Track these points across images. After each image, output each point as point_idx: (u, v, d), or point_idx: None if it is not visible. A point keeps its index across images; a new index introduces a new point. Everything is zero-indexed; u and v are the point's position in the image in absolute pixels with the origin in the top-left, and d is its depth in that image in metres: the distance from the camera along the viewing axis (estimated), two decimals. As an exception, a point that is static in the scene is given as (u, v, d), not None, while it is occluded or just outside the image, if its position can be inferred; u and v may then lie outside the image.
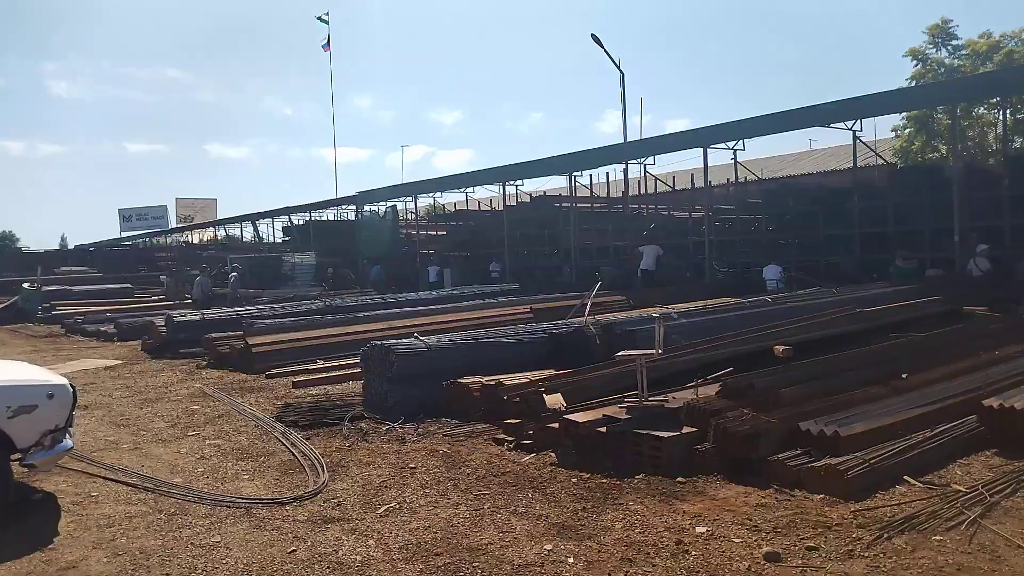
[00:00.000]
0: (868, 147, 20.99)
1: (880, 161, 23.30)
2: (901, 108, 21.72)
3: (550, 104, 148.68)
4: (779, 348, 7.63)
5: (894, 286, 13.22)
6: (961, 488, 4.72)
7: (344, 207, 41.51)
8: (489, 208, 34.26)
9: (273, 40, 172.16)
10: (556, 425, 5.92)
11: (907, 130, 27.80)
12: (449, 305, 15.59)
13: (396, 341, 8.02)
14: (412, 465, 5.88)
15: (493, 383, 7.28)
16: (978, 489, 4.65)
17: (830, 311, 9.49)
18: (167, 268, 38.69)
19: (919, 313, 10.53)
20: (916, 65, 27.38)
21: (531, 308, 15.45)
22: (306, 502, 5.07)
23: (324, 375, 10.90)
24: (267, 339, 12.34)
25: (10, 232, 64.80)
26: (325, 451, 6.44)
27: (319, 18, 47.68)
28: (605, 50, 25.82)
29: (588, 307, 9.76)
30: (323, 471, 5.75)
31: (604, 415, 5.71)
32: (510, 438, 6.32)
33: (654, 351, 5.94)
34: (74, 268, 38.24)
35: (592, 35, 25.80)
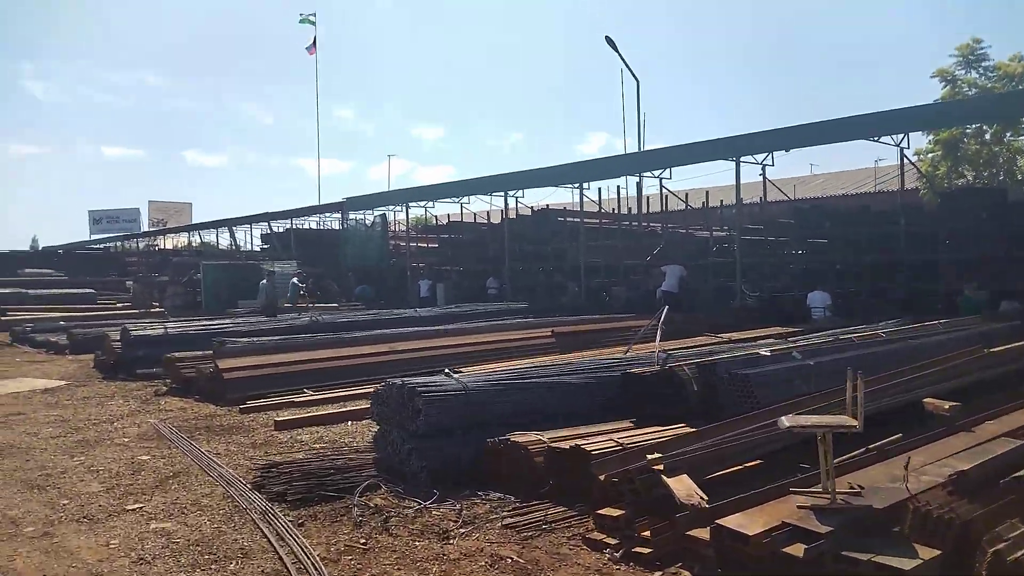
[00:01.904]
0: (914, 165, 19.30)
1: (910, 185, 21.69)
2: (959, 121, 20.08)
3: (531, 124, 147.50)
4: (943, 405, 5.62)
5: (966, 319, 11.40)
6: None
7: (327, 215, 39.32)
8: (486, 221, 32.21)
9: (254, 48, 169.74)
10: (703, 534, 3.81)
11: (931, 154, 26.34)
12: (456, 326, 13.45)
13: (420, 381, 5.87)
14: (471, 589, 3.74)
15: (566, 446, 5.16)
16: None
17: (959, 352, 7.51)
18: (135, 274, 36.13)
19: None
20: (945, 87, 25.98)
21: (552, 332, 13.42)
22: None
23: (315, 411, 8.72)
24: (241, 362, 10.12)
25: (-27, 231, 61.37)
26: (329, 551, 4.28)
27: (304, 18, 45.58)
28: (620, 55, 24.07)
29: (659, 337, 7.72)
30: (332, 599, 3.59)
31: (784, 523, 3.62)
32: (611, 540, 4.20)
33: (853, 422, 3.87)
34: (39, 270, 35.50)
35: (606, 38, 24.04)
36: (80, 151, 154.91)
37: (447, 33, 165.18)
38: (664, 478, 4.20)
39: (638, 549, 4.07)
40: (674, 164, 20.97)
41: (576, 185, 23.71)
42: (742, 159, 18.35)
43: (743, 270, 18.53)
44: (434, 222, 35.36)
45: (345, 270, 30.81)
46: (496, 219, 31.91)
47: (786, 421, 4.03)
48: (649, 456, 4.44)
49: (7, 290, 23.76)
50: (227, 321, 14.24)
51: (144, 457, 6.61)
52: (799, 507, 3.77)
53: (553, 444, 5.33)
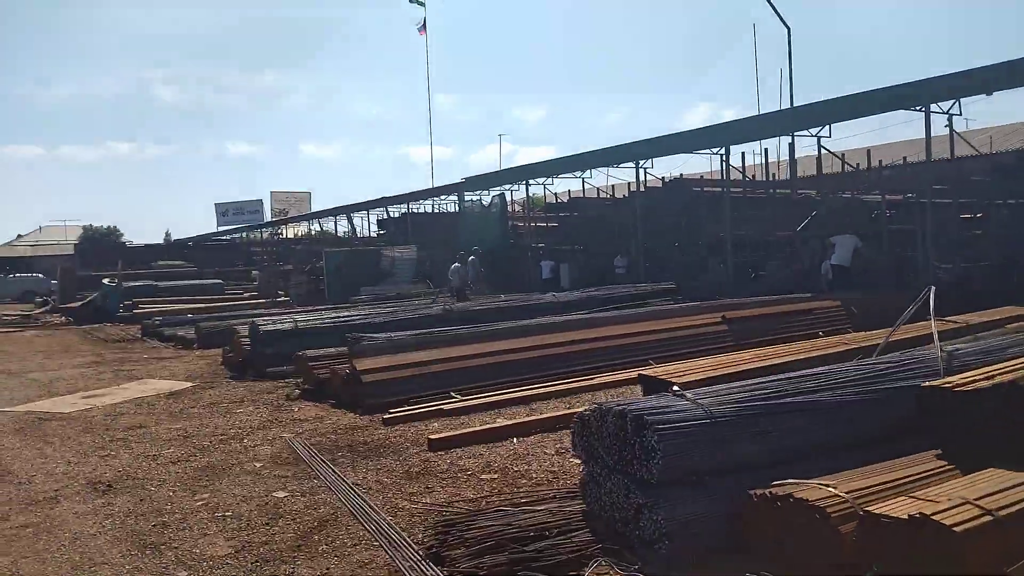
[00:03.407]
0: None
1: None
2: None
3: (632, 99, 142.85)
4: None
5: None
6: None
7: (442, 199, 38.47)
8: (609, 196, 30.20)
9: (361, 43, 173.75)
10: None
11: None
12: (613, 314, 11.72)
13: (646, 406, 4.17)
14: None
15: (901, 514, 3.32)
16: None
17: None
18: (260, 263, 36.62)
19: None
20: None
21: (724, 317, 11.47)
22: None
23: (468, 422, 7.29)
24: (379, 362, 8.79)
25: (113, 227, 64.85)
26: None
27: (415, 0, 44.86)
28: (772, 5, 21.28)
29: (936, 331, 5.69)
30: None
31: None
32: None
33: None
34: (171, 262, 36.64)
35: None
36: (206, 149, 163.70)
37: (544, 9, 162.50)
38: None
39: None
40: (838, 119, 18.22)
41: (716, 150, 21.36)
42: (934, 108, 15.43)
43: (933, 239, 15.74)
44: (554, 200, 33.59)
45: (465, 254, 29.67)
46: (620, 194, 29.87)
47: None
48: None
49: (139, 283, 24.00)
50: (357, 312, 13.13)
51: (280, 494, 5.28)
52: None
53: (869, 507, 3.51)
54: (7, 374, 11.93)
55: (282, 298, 23.17)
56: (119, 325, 19.51)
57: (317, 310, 16.11)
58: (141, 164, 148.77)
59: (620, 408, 4.12)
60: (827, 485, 3.84)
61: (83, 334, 17.93)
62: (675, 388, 4.49)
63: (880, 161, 24.04)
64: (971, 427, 4.31)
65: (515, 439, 6.59)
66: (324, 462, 6.05)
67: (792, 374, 4.90)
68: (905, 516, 3.35)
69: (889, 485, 3.92)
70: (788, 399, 4.48)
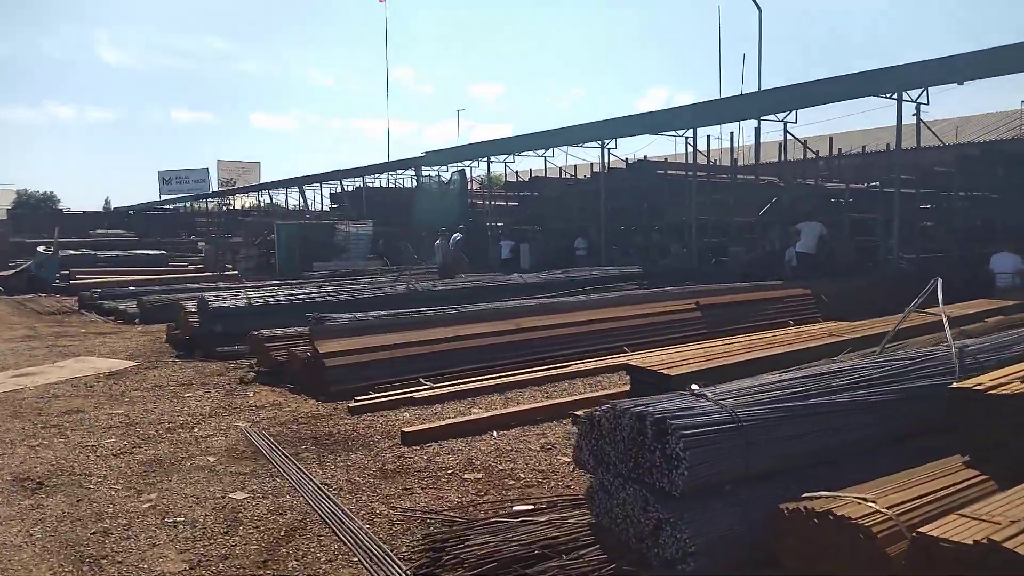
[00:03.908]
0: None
1: None
2: None
3: (590, 80, 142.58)
4: None
5: None
6: None
7: (398, 174, 37.53)
8: (571, 176, 29.74)
9: (316, 11, 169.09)
10: None
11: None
12: (583, 298, 11.27)
13: (666, 408, 3.71)
14: None
15: (968, 539, 2.95)
16: None
17: None
18: (207, 234, 35.16)
19: None
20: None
21: (697, 303, 11.17)
22: None
23: (442, 413, 6.79)
24: (343, 344, 8.18)
25: (51, 193, 61.64)
26: None
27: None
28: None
29: (947, 328, 5.37)
30: None
31: None
32: None
33: None
34: (110, 231, 34.86)
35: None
36: (150, 115, 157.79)
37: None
38: None
39: None
40: (807, 103, 18.05)
41: (683, 132, 21.08)
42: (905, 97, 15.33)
43: (891, 229, 15.75)
44: (514, 178, 32.97)
45: (419, 230, 28.90)
46: (582, 174, 29.46)
47: None
48: None
49: (77, 251, 22.64)
50: (314, 289, 12.40)
51: (239, 495, 4.69)
52: None
53: (921, 528, 3.14)
54: (-74, 348, 10.92)
55: (230, 271, 22.13)
56: (55, 296, 18.30)
57: (269, 285, 15.28)
58: (82, 128, 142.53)
59: (639, 410, 3.65)
60: (865, 499, 3.45)
61: (15, 305, 16.72)
62: (693, 387, 4.04)
63: (840, 149, 24.15)
64: (1006, 434, 3.99)
65: (495, 432, 6.11)
66: (286, 457, 5.47)
67: (814, 371, 4.50)
68: (970, 542, 2.97)
69: (929, 499, 3.56)
70: (815, 399, 4.09)
